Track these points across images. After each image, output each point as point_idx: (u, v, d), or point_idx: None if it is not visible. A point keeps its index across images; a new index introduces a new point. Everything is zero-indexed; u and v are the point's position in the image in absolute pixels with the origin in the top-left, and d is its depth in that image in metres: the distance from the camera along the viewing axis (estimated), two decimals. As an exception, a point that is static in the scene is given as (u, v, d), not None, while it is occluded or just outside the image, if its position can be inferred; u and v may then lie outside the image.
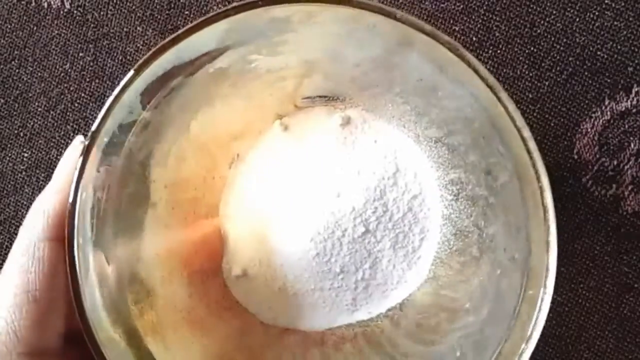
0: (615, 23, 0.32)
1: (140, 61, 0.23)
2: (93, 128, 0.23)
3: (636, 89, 0.32)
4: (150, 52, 0.23)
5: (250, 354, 0.29)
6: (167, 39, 0.23)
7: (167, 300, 0.27)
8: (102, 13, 0.35)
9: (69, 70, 0.36)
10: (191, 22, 0.23)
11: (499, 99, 0.23)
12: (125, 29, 0.35)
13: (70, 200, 0.23)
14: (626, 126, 0.32)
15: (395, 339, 0.30)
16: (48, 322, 0.23)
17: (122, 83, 0.23)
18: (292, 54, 0.27)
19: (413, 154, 0.30)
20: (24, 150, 0.36)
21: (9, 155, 0.36)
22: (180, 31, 0.23)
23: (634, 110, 0.32)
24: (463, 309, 0.28)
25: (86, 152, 0.23)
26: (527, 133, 0.23)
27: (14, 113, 0.36)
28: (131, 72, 0.23)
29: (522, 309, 0.23)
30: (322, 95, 0.31)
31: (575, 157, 0.33)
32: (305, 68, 0.29)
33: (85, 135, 0.23)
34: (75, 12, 0.35)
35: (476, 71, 0.23)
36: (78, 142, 0.25)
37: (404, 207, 0.29)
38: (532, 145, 0.23)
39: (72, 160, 0.24)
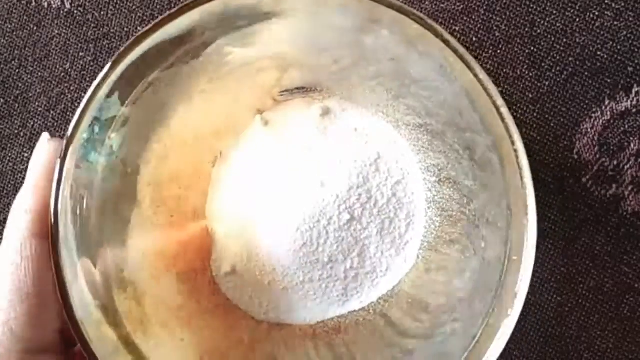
0: (615, 23, 0.32)
1: (116, 55, 0.23)
2: (72, 124, 0.23)
3: (636, 89, 0.32)
4: (125, 45, 0.23)
5: (242, 350, 0.29)
6: (141, 32, 0.23)
7: (156, 299, 0.27)
8: (102, 13, 0.35)
9: (69, 70, 0.36)
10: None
11: (469, 68, 0.23)
12: (125, 29, 0.35)
13: (52, 198, 0.23)
14: (626, 126, 0.32)
15: (388, 325, 0.30)
16: (43, 318, 0.24)
17: (99, 78, 0.23)
18: (265, 45, 0.27)
19: (393, 140, 0.30)
20: (24, 150, 0.36)
21: (9, 155, 0.36)
22: (152, 23, 0.23)
23: (634, 110, 0.32)
24: (453, 288, 0.28)
25: (65, 149, 0.23)
26: (499, 100, 0.23)
27: (14, 113, 0.36)
28: (107, 67, 0.23)
29: (508, 275, 0.23)
30: (299, 87, 0.31)
31: (575, 157, 0.33)
32: (280, 60, 0.29)
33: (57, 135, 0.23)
34: (75, 12, 0.35)
35: (445, 41, 0.23)
36: (45, 140, 0.25)
37: (388, 193, 0.30)
38: (505, 111, 0.23)
39: (42, 157, 0.24)
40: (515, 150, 0.23)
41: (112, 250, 0.25)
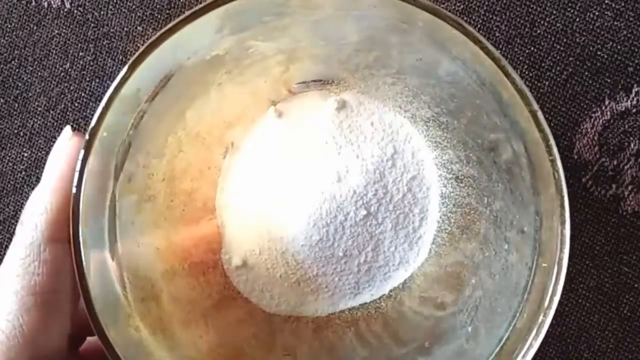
0: (615, 23, 0.32)
1: (136, 55, 0.23)
2: (92, 123, 0.23)
3: (636, 89, 0.32)
4: (146, 44, 0.23)
5: (255, 343, 0.29)
6: (163, 30, 0.22)
7: (170, 294, 0.27)
8: (102, 13, 0.35)
9: (69, 70, 0.36)
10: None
11: (506, 74, 0.23)
12: (125, 29, 0.35)
13: (73, 196, 0.23)
14: (626, 126, 0.32)
15: (400, 318, 0.30)
16: (54, 324, 0.23)
17: (119, 77, 0.23)
18: (289, 38, 0.27)
19: (410, 135, 0.30)
20: (24, 149, 0.36)
21: (9, 155, 0.36)
22: (176, 20, 0.22)
23: (634, 110, 0.32)
24: (469, 285, 0.28)
25: (87, 148, 0.23)
26: (535, 107, 0.23)
27: (14, 113, 0.36)
28: (127, 66, 0.23)
29: (536, 281, 0.23)
30: (316, 79, 0.31)
31: (575, 157, 0.33)
32: (300, 52, 0.29)
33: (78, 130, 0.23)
34: (75, 11, 0.35)
35: (483, 48, 0.22)
36: (68, 135, 0.24)
37: (404, 188, 0.29)
38: (541, 118, 0.23)
39: (64, 155, 0.24)
40: (552, 160, 0.23)
41: (128, 247, 0.25)
